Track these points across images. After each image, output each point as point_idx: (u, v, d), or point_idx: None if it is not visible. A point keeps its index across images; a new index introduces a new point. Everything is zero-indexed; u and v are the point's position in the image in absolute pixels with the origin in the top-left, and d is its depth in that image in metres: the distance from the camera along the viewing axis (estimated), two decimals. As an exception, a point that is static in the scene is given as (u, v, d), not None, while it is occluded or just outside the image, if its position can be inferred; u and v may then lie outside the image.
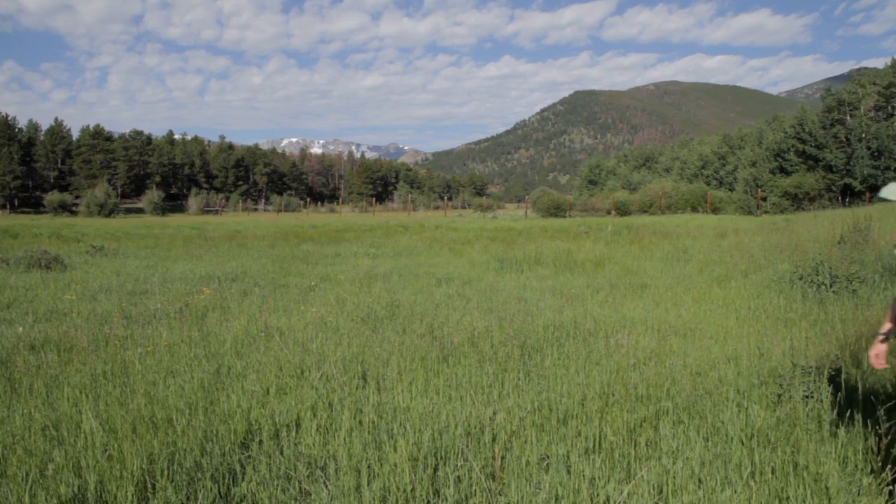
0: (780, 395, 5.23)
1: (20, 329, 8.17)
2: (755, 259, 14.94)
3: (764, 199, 47.16)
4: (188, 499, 3.80)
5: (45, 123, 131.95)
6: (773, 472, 3.85)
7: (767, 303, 9.63)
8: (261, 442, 4.27)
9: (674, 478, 3.85)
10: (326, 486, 3.86)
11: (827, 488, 3.68)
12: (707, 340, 7.58)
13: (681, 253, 17.27)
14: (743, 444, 4.34)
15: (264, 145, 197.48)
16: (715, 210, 49.06)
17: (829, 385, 5.11)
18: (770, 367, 6.13)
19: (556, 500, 3.58)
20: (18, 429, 4.93)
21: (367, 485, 3.78)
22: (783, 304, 9.34)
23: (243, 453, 4.21)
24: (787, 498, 3.58)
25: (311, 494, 3.71)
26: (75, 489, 3.89)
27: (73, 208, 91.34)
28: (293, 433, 4.23)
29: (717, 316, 9.00)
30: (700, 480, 3.86)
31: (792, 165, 51.34)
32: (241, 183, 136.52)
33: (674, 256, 16.78)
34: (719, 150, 74.74)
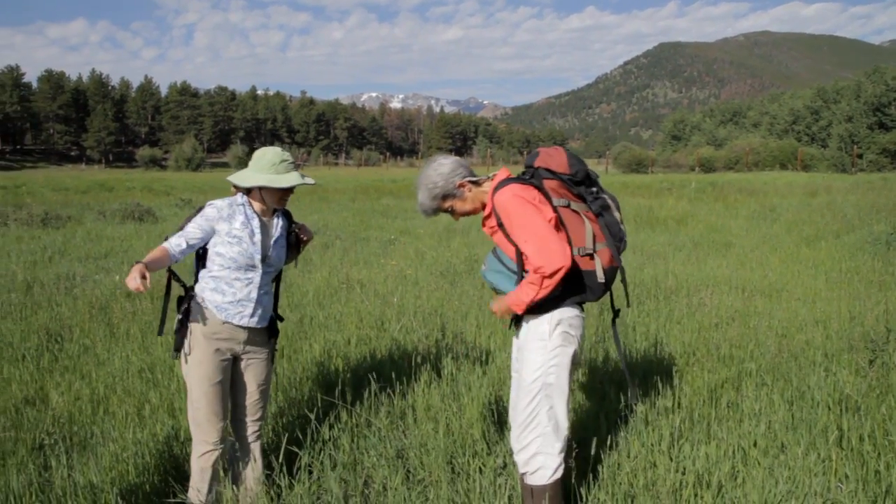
0: (871, 361, 5.03)
1: (117, 277, 8.59)
2: (848, 219, 14.31)
3: (860, 157, 44.86)
4: (277, 437, 3.96)
5: (135, 81, 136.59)
6: (861, 440, 3.73)
7: (861, 265, 9.24)
8: (343, 391, 4.39)
9: (756, 441, 3.78)
10: (405, 435, 3.96)
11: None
12: (794, 302, 7.34)
13: (768, 212, 16.68)
14: (829, 409, 4.21)
15: (344, 100, 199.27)
16: (805, 168, 46.96)
17: (926, 351, 4.89)
18: (862, 331, 5.89)
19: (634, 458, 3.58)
20: (118, 370, 5.22)
21: (445, 435, 3.85)
22: (878, 267, 8.95)
23: (325, 400, 4.34)
24: (878, 468, 3.47)
25: (389, 441, 3.81)
26: (169, 428, 4.11)
27: (163, 163, 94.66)
28: (373, 383, 4.34)
29: (806, 277, 8.70)
30: (783, 445, 3.78)
31: (892, 120, 48.48)
32: (322, 137, 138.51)
33: (760, 215, 16.23)
34: (812, 105, 71.20)
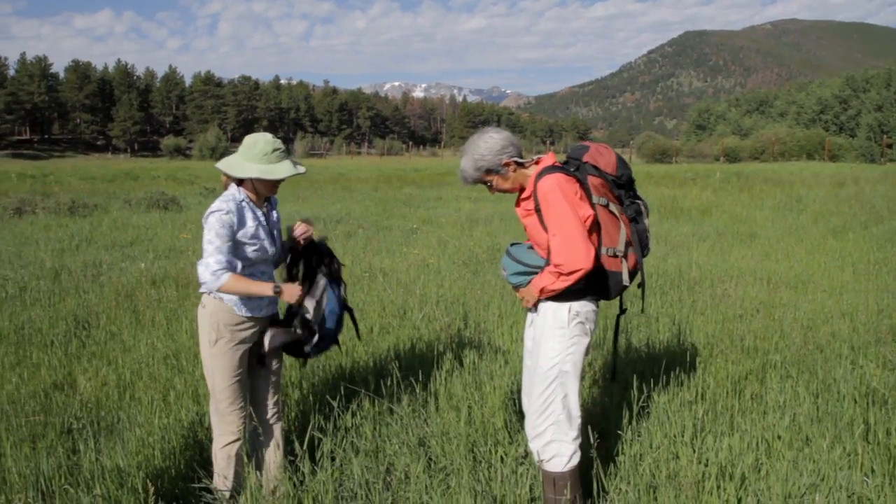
0: (899, 353, 4.97)
1: (142, 265, 8.70)
2: (877, 210, 14.10)
3: (889, 147, 44.06)
4: (300, 424, 4.00)
5: (160, 71, 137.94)
6: (888, 434, 3.69)
7: (889, 256, 9.11)
8: (365, 379, 4.42)
9: (779, 433, 3.75)
10: (427, 423, 3.98)
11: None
12: (820, 294, 7.26)
13: (794, 202, 16.48)
14: (856, 402, 4.17)
15: (367, 89, 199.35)
16: (833, 158, 46.26)
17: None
18: (890, 324, 5.82)
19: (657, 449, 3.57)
20: (144, 357, 5.29)
21: (467, 424, 3.86)
22: (907, 258, 8.81)
23: (348, 388, 4.37)
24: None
25: (411, 429, 3.83)
26: (194, 414, 4.16)
27: (187, 152, 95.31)
28: (395, 371, 4.36)
29: (832, 269, 8.59)
30: (808, 438, 3.75)
31: (923, 110, 47.55)
32: (344, 127, 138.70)
33: (786, 206, 16.04)
34: (841, 94, 70.04)
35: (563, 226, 2.88)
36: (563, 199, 2.90)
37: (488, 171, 3.10)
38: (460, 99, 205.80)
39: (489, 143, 3.08)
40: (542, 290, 3.00)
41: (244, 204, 3.25)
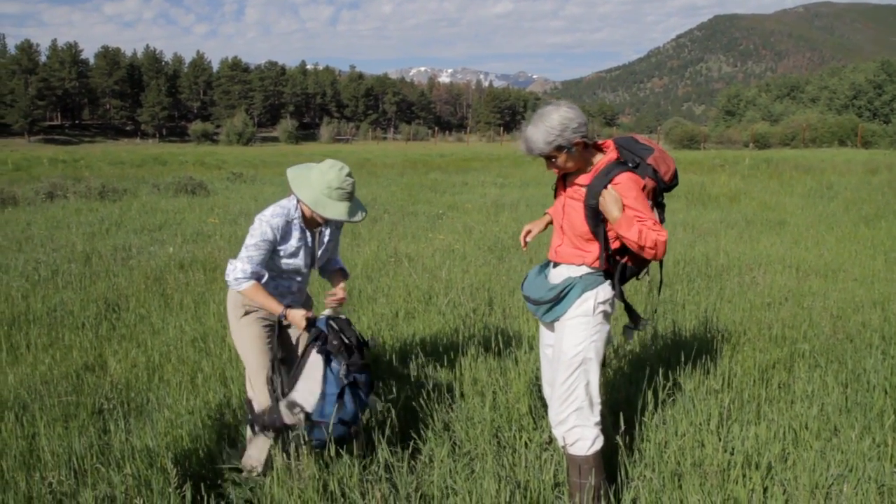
0: (931, 343, 4.89)
1: (171, 249, 8.80)
2: (911, 198, 13.83)
3: (925, 133, 43.16)
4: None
5: (188, 56, 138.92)
6: (919, 424, 3.64)
7: (923, 245, 8.94)
8: (390, 362, 4.44)
9: (807, 423, 3.71)
10: (452, 408, 3.99)
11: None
12: (851, 282, 7.16)
13: (825, 189, 16.21)
14: (886, 393, 4.11)
15: (393, 74, 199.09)
16: (866, 144, 45.39)
17: None
18: (922, 313, 5.72)
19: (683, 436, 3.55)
20: (172, 339, 5.37)
21: (491, 409, 3.87)
22: (941, 247, 8.65)
23: (373, 373, 4.40)
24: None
25: (436, 414, 3.85)
26: (221, 396, 4.21)
27: (214, 137, 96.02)
28: (420, 356, 4.37)
29: (864, 257, 8.46)
30: (836, 428, 3.71)
31: (960, 95, 46.47)
32: (370, 112, 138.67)
33: (817, 193, 15.79)
34: (875, 79, 68.70)
35: (648, 213, 2.93)
36: (640, 197, 2.94)
37: (559, 147, 2.95)
38: (486, 84, 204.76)
39: (564, 120, 2.92)
40: (623, 220, 2.89)
41: (295, 222, 3.28)
